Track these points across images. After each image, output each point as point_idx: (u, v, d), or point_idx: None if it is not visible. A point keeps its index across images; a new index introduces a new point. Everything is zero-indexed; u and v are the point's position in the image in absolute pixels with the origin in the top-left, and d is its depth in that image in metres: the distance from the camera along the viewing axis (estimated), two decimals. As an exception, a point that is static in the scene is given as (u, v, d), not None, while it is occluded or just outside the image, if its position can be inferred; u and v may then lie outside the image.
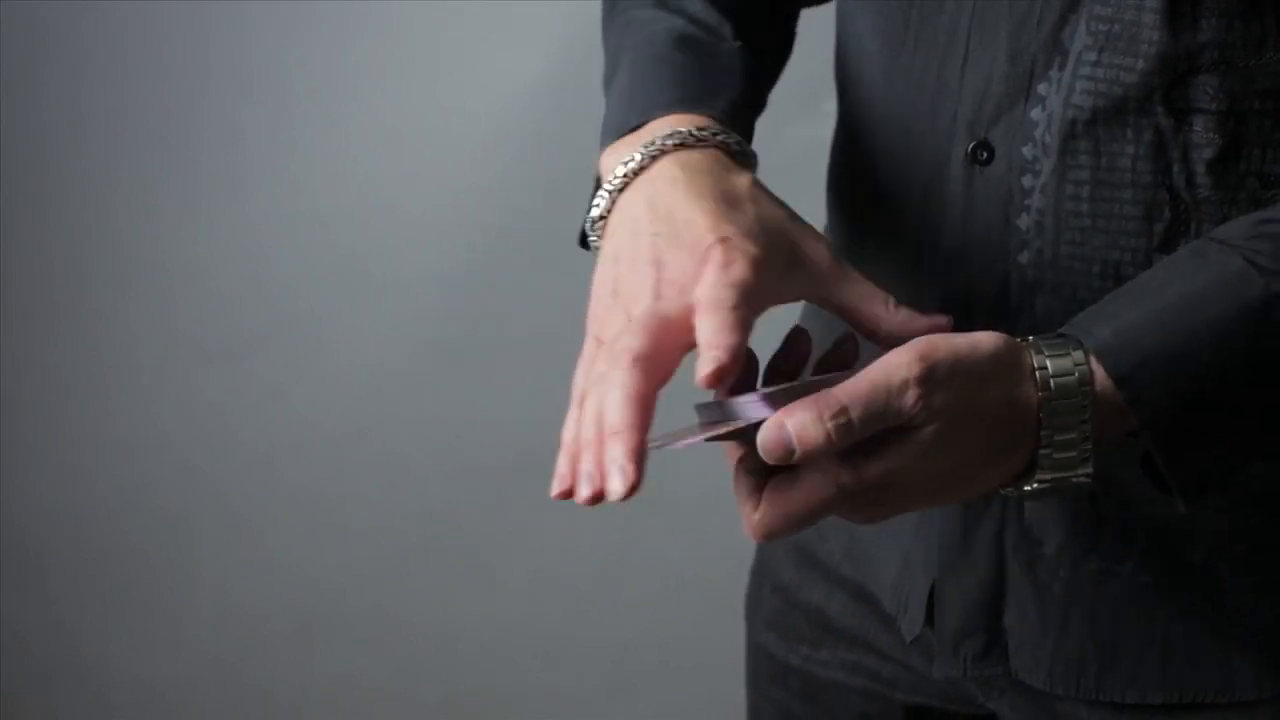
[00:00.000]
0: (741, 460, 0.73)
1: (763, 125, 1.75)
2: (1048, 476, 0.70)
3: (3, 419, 1.78)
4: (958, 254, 0.82)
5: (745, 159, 0.80)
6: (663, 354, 0.70)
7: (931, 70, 0.82)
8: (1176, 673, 0.83)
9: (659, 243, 0.74)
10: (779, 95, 1.74)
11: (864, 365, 0.69)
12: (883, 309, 0.75)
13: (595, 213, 0.81)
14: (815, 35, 1.64)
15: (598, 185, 0.82)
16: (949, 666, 0.88)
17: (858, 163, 0.91)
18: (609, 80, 0.91)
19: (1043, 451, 0.70)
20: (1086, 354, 0.70)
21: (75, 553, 1.82)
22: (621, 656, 1.81)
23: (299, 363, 1.75)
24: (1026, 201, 0.79)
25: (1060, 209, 0.78)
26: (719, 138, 0.79)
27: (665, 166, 0.77)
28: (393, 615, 1.81)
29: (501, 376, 1.74)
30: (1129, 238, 0.77)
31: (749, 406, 0.69)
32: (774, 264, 0.72)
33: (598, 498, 0.71)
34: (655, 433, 0.70)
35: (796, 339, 0.77)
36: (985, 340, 0.70)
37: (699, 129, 0.79)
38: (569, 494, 0.74)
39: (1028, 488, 0.71)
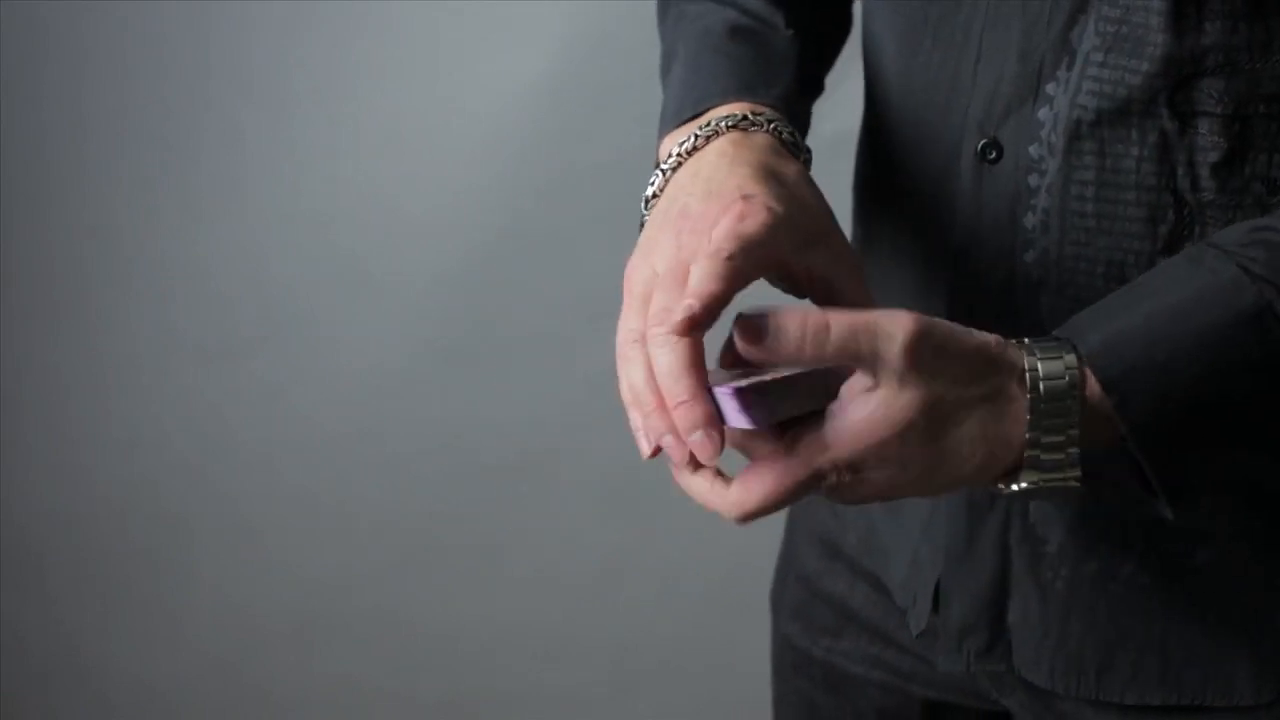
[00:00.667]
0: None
1: (763, 125, 1.75)
2: (1035, 477, 0.70)
3: (3, 419, 1.78)
4: (966, 250, 0.82)
5: (795, 149, 0.81)
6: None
7: (947, 68, 0.82)
8: (1176, 675, 0.84)
9: (690, 201, 0.76)
10: (779, 95, 1.73)
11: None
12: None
13: (649, 191, 0.82)
14: (815, 35, 1.64)
15: (656, 167, 0.83)
16: (953, 662, 0.88)
17: (878, 157, 0.92)
18: (665, 72, 0.92)
19: (1029, 453, 0.70)
20: (1079, 358, 0.70)
21: (75, 553, 1.82)
22: (621, 656, 1.81)
23: (299, 363, 1.75)
24: (1033, 201, 0.79)
25: (1065, 209, 0.78)
26: (772, 124, 0.81)
27: (717, 144, 0.79)
28: (393, 615, 1.81)
29: (501, 376, 1.74)
30: (1133, 240, 0.77)
31: (722, 397, 0.69)
32: (793, 231, 0.73)
33: (690, 460, 0.72)
34: None
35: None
36: (980, 333, 0.70)
37: (754, 113, 0.81)
38: (658, 451, 0.74)
39: (1015, 487, 0.71)
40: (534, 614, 1.80)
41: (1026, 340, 0.71)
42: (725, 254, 0.70)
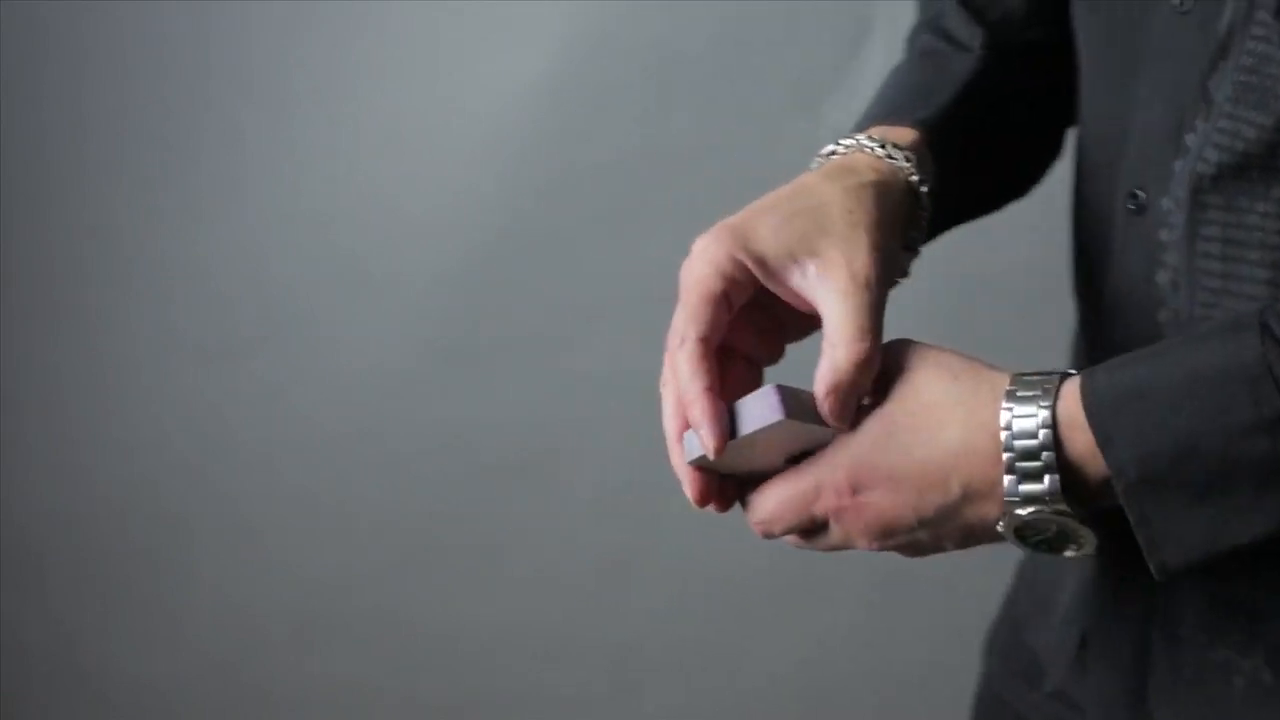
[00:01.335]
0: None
1: (763, 125, 1.76)
2: (1023, 517, 0.69)
3: (3, 419, 1.78)
4: (1111, 306, 0.79)
5: (897, 173, 0.78)
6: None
7: (1116, 110, 0.80)
8: None
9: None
10: (779, 95, 1.75)
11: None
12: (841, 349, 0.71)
13: None
14: (816, 36, 1.64)
15: None
16: None
17: (1075, 192, 0.88)
18: None
19: (1008, 498, 0.69)
20: (1054, 416, 0.67)
21: (75, 553, 1.81)
22: (622, 656, 1.81)
23: (299, 363, 1.75)
24: (1164, 257, 0.75)
25: (1193, 267, 0.74)
26: (883, 146, 0.79)
27: (816, 171, 0.78)
28: (393, 615, 1.81)
29: (501, 376, 1.74)
30: (1258, 304, 0.70)
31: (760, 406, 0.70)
32: (762, 257, 0.72)
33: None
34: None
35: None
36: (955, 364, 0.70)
37: (872, 137, 0.79)
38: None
39: (1000, 528, 0.70)
40: (534, 614, 1.80)
41: (1010, 388, 0.69)
42: (685, 343, 0.70)
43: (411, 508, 1.78)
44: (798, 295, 0.72)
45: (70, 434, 1.79)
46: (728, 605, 1.77)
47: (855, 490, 0.70)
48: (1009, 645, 0.99)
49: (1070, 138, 0.93)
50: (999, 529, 0.70)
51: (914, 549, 0.73)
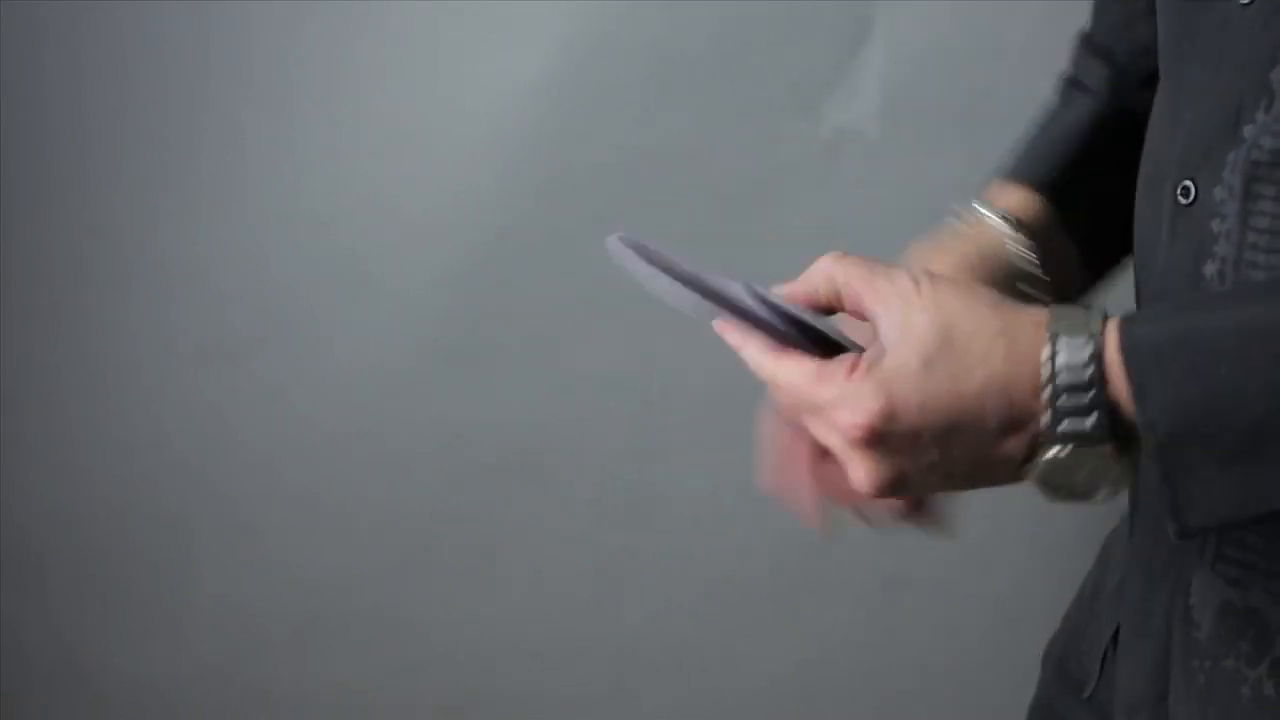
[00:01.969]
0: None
1: (763, 125, 1.76)
2: (1055, 455, 0.68)
3: (3, 419, 1.78)
4: (1158, 296, 0.79)
5: (1002, 242, 0.80)
6: None
7: (1171, 104, 0.79)
8: None
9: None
10: (779, 95, 1.74)
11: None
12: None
13: None
14: (816, 36, 1.64)
15: None
16: None
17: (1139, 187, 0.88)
18: None
19: (1044, 421, 0.67)
20: (1100, 350, 0.66)
21: (75, 553, 1.81)
22: (622, 657, 1.81)
23: (299, 363, 1.75)
24: (1214, 248, 0.74)
25: (1240, 259, 0.73)
26: (986, 214, 0.81)
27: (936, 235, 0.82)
28: (393, 616, 1.81)
29: (501, 377, 1.74)
30: None
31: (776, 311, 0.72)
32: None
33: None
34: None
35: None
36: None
37: (986, 202, 0.83)
38: None
39: (1025, 469, 0.68)
40: (533, 614, 1.80)
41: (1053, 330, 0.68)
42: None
43: (411, 508, 1.78)
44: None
45: (70, 434, 1.79)
46: (727, 605, 1.76)
47: (887, 418, 0.67)
48: (1064, 653, 0.98)
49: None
50: (1023, 470, 0.69)
51: (914, 488, 0.70)
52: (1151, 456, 0.66)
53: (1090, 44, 0.95)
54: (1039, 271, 0.79)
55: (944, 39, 1.61)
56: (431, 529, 1.78)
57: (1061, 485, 0.69)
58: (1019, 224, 0.78)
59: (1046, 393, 0.66)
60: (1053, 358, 0.66)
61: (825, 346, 0.72)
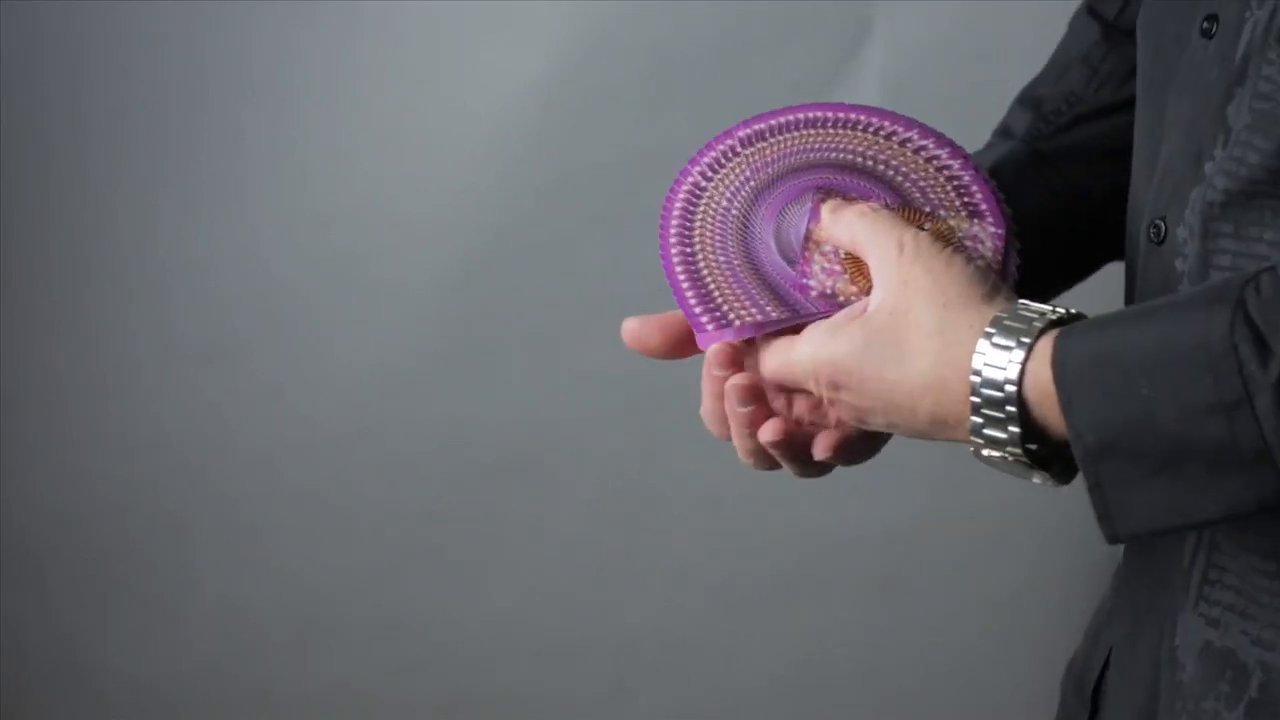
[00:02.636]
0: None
1: (763, 125, 1.74)
2: (987, 455, 0.70)
3: (3, 419, 1.78)
4: None
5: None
6: None
7: (1148, 142, 0.79)
8: None
9: None
10: (779, 95, 1.74)
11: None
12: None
13: None
14: (816, 36, 1.64)
15: None
16: None
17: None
18: None
19: (973, 438, 0.70)
20: (1023, 371, 0.67)
21: (75, 553, 1.81)
22: (621, 657, 1.81)
23: (299, 363, 1.75)
24: (1179, 288, 0.73)
25: None
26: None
27: None
28: (392, 616, 1.81)
29: (501, 376, 1.73)
30: None
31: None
32: None
33: None
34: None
35: None
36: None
37: None
38: None
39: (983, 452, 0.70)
40: (533, 614, 1.80)
41: (993, 329, 0.69)
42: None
43: (411, 508, 1.78)
44: None
45: (70, 434, 1.79)
46: (727, 605, 1.76)
47: (834, 388, 0.72)
48: (1081, 670, 0.99)
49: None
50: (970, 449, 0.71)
51: (881, 429, 0.75)
52: (1080, 466, 0.67)
53: (1023, 96, 0.96)
54: None
55: (944, 39, 1.61)
56: (431, 529, 1.78)
57: (1003, 471, 0.71)
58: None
59: (972, 402, 0.69)
60: (980, 371, 0.68)
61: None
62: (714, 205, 0.81)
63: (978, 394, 0.68)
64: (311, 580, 1.80)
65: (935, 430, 0.71)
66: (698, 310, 0.78)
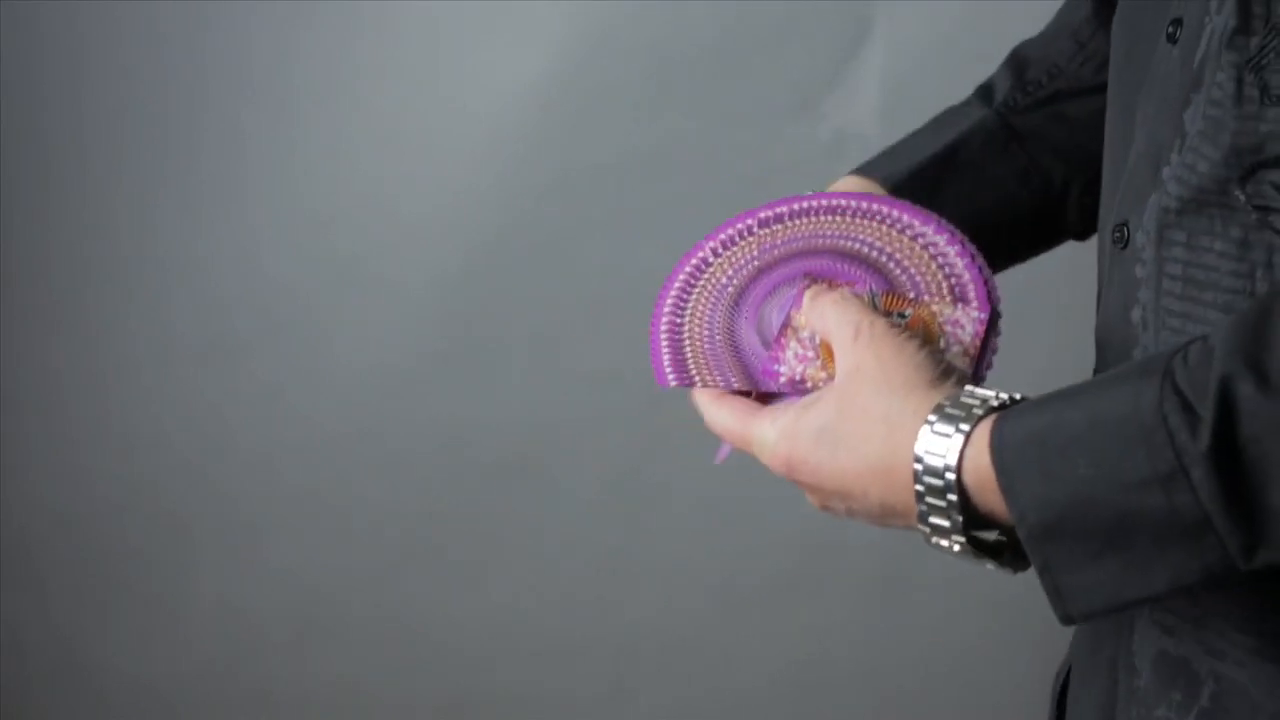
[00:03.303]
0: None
1: (763, 125, 1.76)
2: (935, 543, 0.70)
3: (3, 419, 1.78)
4: (1101, 342, 0.78)
5: None
6: None
7: (1117, 145, 0.79)
8: None
9: None
10: (779, 95, 1.74)
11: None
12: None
13: None
14: (816, 38, 1.64)
15: None
16: None
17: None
18: None
19: (919, 526, 0.69)
20: (961, 458, 0.67)
21: (75, 553, 1.82)
22: (621, 657, 1.81)
23: (299, 363, 1.75)
24: (1138, 294, 0.73)
25: (1159, 306, 0.72)
26: None
27: None
28: (392, 615, 1.81)
29: (501, 377, 1.74)
30: None
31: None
32: None
33: None
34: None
35: None
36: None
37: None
38: None
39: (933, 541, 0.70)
40: (533, 614, 1.80)
41: (936, 417, 0.68)
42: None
43: (411, 508, 1.78)
44: None
45: (70, 434, 1.79)
46: (727, 605, 1.77)
47: (791, 471, 0.73)
48: (1057, 675, 0.99)
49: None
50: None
51: (844, 516, 0.75)
52: (1027, 549, 0.66)
53: (1013, 52, 0.96)
54: None
55: (944, 39, 1.61)
56: (431, 529, 1.79)
57: (957, 559, 0.71)
58: None
59: (916, 490, 0.68)
60: (921, 459, 0.68)
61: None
62: (714, 280, 0.83)
63: (920, 481, 0.68)
64: (311, 580, 1.80)
65: (888, 517, 0.71)
66: (669, 370, 0.80)
